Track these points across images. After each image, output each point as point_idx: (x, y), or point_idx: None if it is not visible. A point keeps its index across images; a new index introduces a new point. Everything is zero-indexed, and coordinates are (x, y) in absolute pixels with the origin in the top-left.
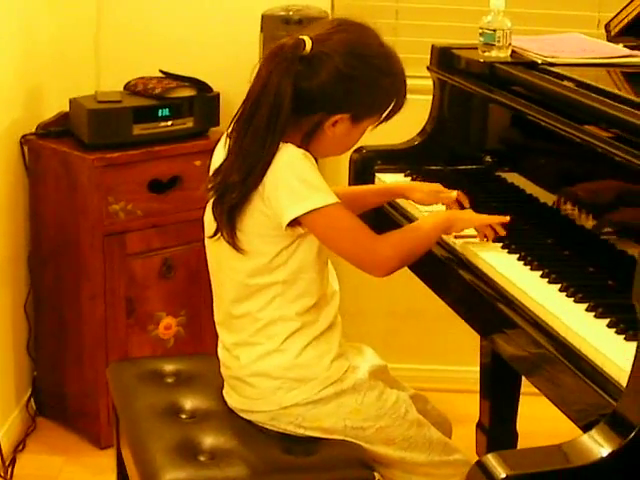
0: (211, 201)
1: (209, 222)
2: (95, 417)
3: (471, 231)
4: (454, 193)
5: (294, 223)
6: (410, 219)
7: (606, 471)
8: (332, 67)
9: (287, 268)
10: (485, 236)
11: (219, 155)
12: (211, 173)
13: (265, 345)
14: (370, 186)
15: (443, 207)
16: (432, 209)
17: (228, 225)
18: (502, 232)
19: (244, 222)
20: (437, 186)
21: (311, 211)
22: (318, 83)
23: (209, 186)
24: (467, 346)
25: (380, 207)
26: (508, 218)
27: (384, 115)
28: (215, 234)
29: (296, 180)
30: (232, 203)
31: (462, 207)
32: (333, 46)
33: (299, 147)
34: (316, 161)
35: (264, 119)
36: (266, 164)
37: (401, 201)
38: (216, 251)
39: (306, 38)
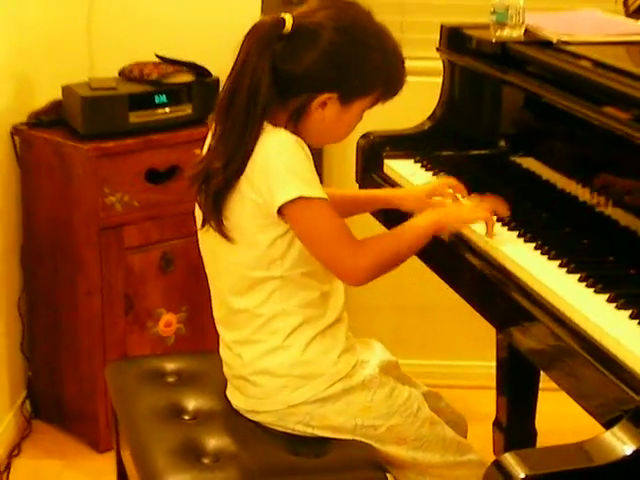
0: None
1: (199, 213)
2: (94, 419)
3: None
4: (448, 200)
5: (282, 213)
6: None
7: (630, 470)
8: (315, 44)
9: (285, 262)
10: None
11: (208, 142)
12: (197, 160)
13: (268, 342)
14: (361, 191)
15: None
16: None
17: (214, 212)
18: (506, 213)
19: (233, 210)
20: (427, 188)
21: (297, 199)
22: (301, 62)
23: (190, 173)
24: (482, 340)
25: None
26: (504, 206)
27: (379, 96)
28: (203, 225)
29: (285, 168)
30: (216, 189)
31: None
32: (316, 22)
33: (289, 132)
34: (311, 150)
35: (244, 101)
36: (249, 148)
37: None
38: (210, 243)
39: (287, 16)
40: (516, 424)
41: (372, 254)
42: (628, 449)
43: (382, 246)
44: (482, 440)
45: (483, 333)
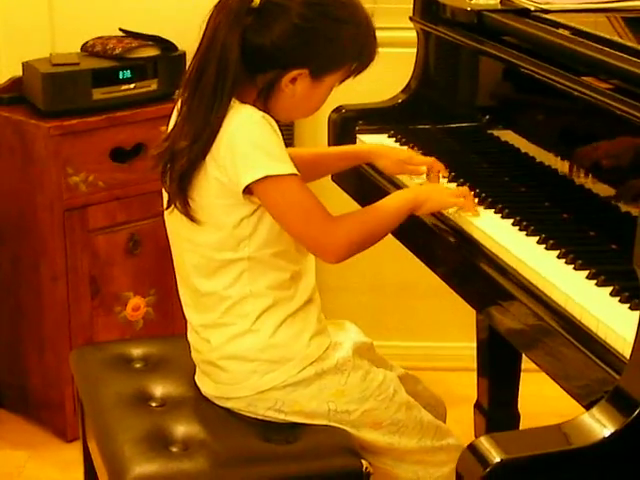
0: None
1: (165, 192)
2: (60, 408)
3: None
4: (423, 167)
5: (249, 192)
6: (396, 185)
7: (609, 452)
8: (283, 18)
9: (252, 242)
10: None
11: (173, 120)
12: (161, 139)
13: (236, 325)
14: (334, 148)
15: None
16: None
17: (180, 194)
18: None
19: (197, 190)
20: (407, 154)
21: (264, 178)
22: (270, 37)
23: (155, 153)
24: (462, 321)
25: (360, 170)
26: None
27: (350, 70)
28: (168, 206)
29: (251, 146)
30: (182, 170)
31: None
32: None
33: (257, 108)
34: (278, 124)
35: (211, 78)
36: (215, 127)
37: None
38: (175, 224)
39: None
40: (498, 407)
41: (346, 230)
42: (607, 431)
43: (357, 222)
44: (463, 424)
45: (463, 313)
